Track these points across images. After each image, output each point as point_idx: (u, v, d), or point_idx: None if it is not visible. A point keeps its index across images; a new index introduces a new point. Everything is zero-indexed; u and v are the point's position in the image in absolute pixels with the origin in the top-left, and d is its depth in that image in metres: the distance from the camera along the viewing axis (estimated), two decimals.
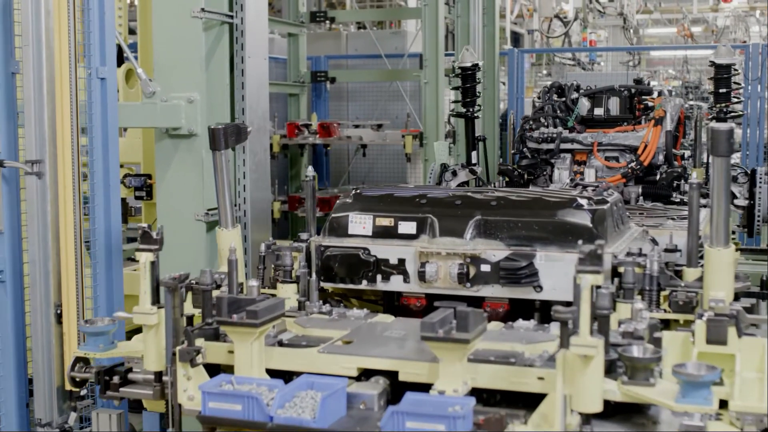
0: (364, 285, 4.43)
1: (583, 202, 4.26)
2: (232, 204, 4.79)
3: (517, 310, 4.27)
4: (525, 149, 8.00)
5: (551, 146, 7.86)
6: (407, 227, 4.34)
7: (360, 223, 4.44)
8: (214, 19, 6.20)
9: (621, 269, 3.91)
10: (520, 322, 3.99)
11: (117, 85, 6.56)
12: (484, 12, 11.24)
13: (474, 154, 8.72)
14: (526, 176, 8.06)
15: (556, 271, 4.05)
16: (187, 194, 6.17)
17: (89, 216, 5.18)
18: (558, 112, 8.17)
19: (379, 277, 4.39)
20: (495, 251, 4.18)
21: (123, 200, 7.15)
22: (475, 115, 8.77)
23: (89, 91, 5.13)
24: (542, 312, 4.22)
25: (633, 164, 7.50)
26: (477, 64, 8.69)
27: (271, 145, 10.88)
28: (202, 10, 6.06)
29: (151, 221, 6.71)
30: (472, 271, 4.20)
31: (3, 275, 4.82)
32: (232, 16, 6.30)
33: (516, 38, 23.20)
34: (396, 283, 4.38)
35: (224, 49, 6.30)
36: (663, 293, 4.09)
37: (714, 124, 3.50)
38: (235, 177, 6.43)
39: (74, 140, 4.79)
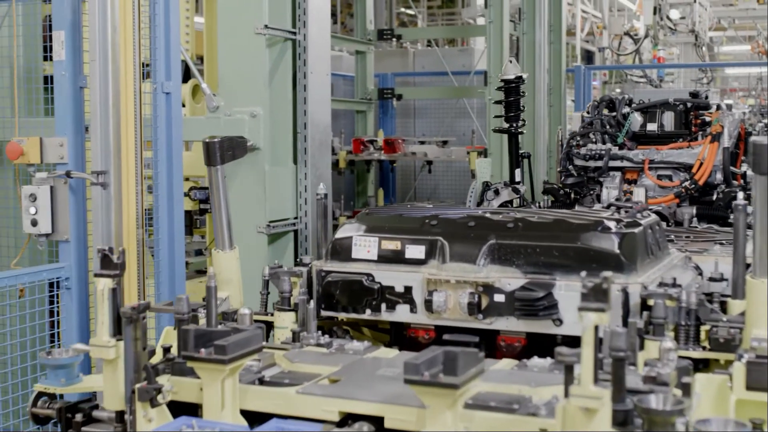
0: (367, 315, 4.03)
1: (611, 225, 3.79)
2: (230, 224, 4.46)
3: (536, 345, 3.82)
4: (571, 167, 7.58)
5: (599, 164, 7.44)
6: (415, 251, 3.93)
7: (364, 247, 4.04)
8: (277, 35, 6.34)
9: (651, 302, 3.45)
10: (536, 360, 3.55)
11: (183, 100, 6.77)
12: (551, 29, 11.26)
13: (518, 171, 8.33)
14: (572, 196, 7.62)
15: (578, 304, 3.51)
16: (250, 207, 6.30)
17: (153, 227, 5.32)
18: (607, 127, 7.74)
19: (383, 306, 3.99)
20: (510, 279, 3.75)
21: (188, 213, 7.31)
22: (520, 130, 8.39)
23: (154, 105, 5.28)
24: (568, 345, 3.74)
25: (687, 183, 7.05)
26: (521, 77, 8.30)
27: (338, 161, 11.01)
28: (266, 27, 6.21)
29: (214, 234, 6.83)
30: (485, 302, 3.78)
31: (69, 282, 4.98)
32: (295, 33, 6.44)
33: (589, 56, 23.08)
34: (402, 314, 3.98)
35: (287, 65, 6.45)
36: (704, 328, 3.63)
37: (755, 138, 3.05)
38: (296, 191, 6.55)
39: (138, 152, 4.93)
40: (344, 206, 11.16)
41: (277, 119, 6.38)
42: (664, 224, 7.39)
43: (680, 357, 3.16)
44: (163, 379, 3.31)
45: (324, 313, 4.09)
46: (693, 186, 7.03)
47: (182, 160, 5.52)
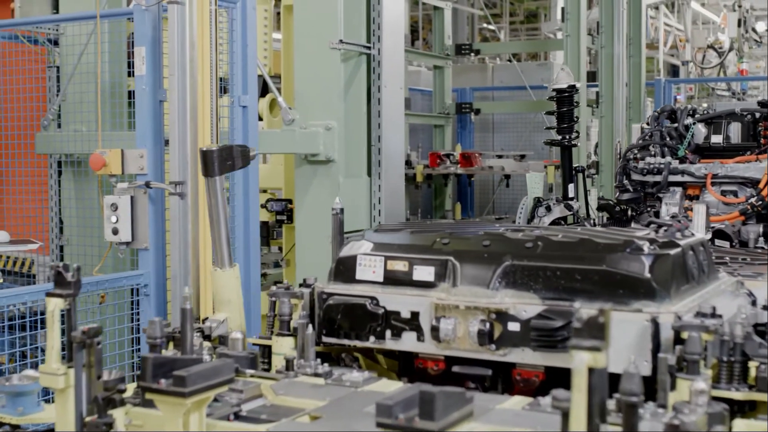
0: (371, 342, 3.60)
1: (642, 245, 3.30)
2: (229, 239, 4.13)
3: (556, 380, 3.30)
4: (626, 182, 7.11)
5: (658, 178, 6.94)
6: (424, 273, 3.51)
7: (370, 267, 3.63)
8: (352, 50, 6.47)
9: (684, 335, 2.95)
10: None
11: (261, 114, 6.94)
12: (630, 42, 11.20)
13: (571, 187, 7.90)
14: (629, 212, 7.18)
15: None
16: (325, 218, 6.39)
17: (230, 236, 5.47)
18: (668, 139, 7.22)
19: (388, 333, 3.55)
20: (526, 306, 3.29)
21: (264, 224, 7.48)
22: (573, 143, 8.04)
23: (231, 118, 5.45)
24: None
25: (753, 200, 6.50)
26: (574, 86, 7.97)
27: (415, 175, 11.11)
28: (341, 41, 6.35)
29: (291, 244, 7.00)
30: (498, 331, 3.33)
31: (147, 289, 5.15)
32: (369, 47, 6.55)
33: (674, 70, 22.80)
34: (408, 342, 3.53)
35: (361, 79, 6.57)
36: (753, 364, 3.15)
37: None
38: (370, 202, 6.66)
39: None
40: (421, 220, 11.24)
41: (352, 132, 6.50)
42: (728, 243, 6.55)
43: (719, 399, 2.86)
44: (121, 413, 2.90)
45: (325, 339, 3.69)
46: (760, 203, 6.53)
47: (258, 172, 5.66)
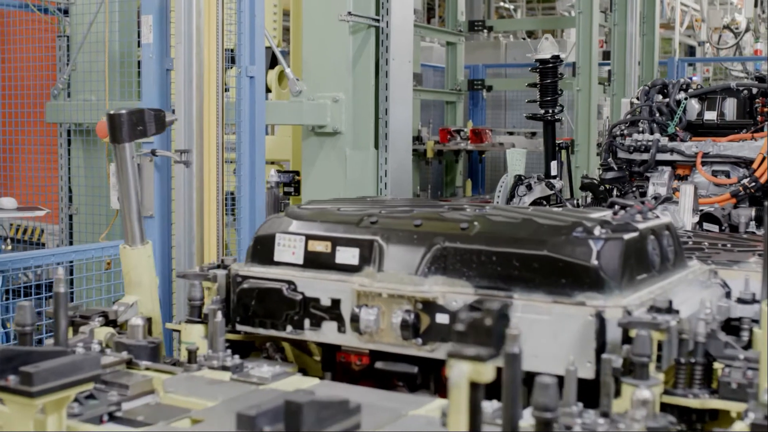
0: (288, 332, 3.19)
1: (592, 228, 2.84)
2: (141, 214, 3.62)
3: (493, 381, 2.74)
4: (610, 159, 6.69)
5: (646, 157, 6.52)
6: (347, 255, 3.11)
7: (289, 247, 3.22)
8: (360, 22, 6.47)
9: (633, 332, 2.58)
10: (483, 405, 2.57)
11: (269, 86, 6.96)
12: (643, 20, 11.15)
13: (554, 164, 7.49)
14: (615, 192, 6.74)
15: (541, 330, 2.70)
16: (331, 190, 6.45)
17: (236, 208, 5.50)
18: (658, 115, 6.75)
19: (307, 322, 3.14)
20: (457, 295, 2.87)
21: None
22: (557, 117, 7.60)
23: (238, 88, 5.45)
24: (527, 386, 2.67)
25: (746, 181, 6.07)
26: (558, 56, 7.47)
27: (425, 151, 11.12)
28: (350, 14, 6.35)
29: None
30: (425, 323, 2.91)
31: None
32: (378, 20, 6.55)
33: (691, 51, 22.66)
34: (329, 333, 3.11)
35: (370, 52, 6.57)
36: (720, 366, 2.79)
37: None
38: (377, 175, 6.68)
39: (219, 133, 5.11)
40: (431, 196, 11.26)
41: (359, 104, 6.52)
42: (717, 227, 5.94)
43: (674, 407, 2.64)
44: None
45: (239, 328, 3.28)
46: (753, 184, 6.06)
47: (265, 143, 5.69)
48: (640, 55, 11.12)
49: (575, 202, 7.17)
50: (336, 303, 3.08)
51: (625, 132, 6.72)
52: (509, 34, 16.42)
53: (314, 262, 3.17)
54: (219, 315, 3.07)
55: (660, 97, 6.87)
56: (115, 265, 5.15)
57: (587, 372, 2.56)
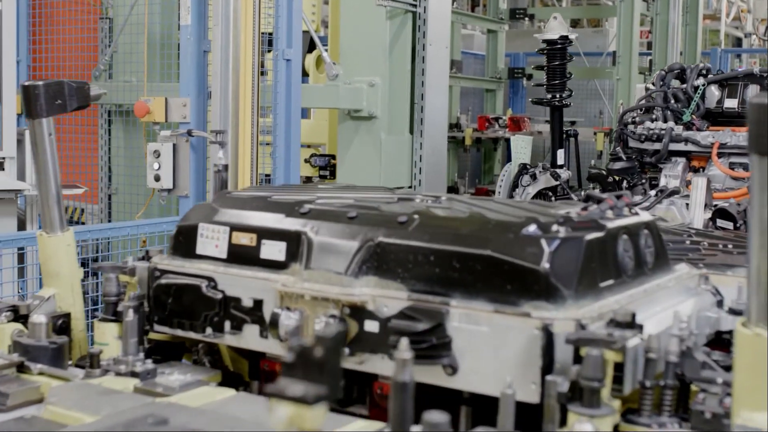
0: (207, 335, 2.83)
1: (549, 226, 2.42)
2: (60, 198, 3.12)
3: (430, 398, 2.44)
4: (619, 149, 6.28)
5: (658, 146, 6.10)
6: (273, 250, 2.76)
7: (212, 239, 2.88)
8: (398, 7, 6.50)
9: (583, 351, 2.15)
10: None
11: (307, 70, 7.02)
12: (687, 10, 11.06)
13: (561, 153, 7.03)
14: (624, 184, 6.31)
15: (481, 343, 2.31)
16: (365, 174, 6.50)
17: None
18: (673, 101, 6.28)
19: (227, 324, 2.78)
20: (389, 299, 2.46)
21: (309, 179, 7.57)
22: (565, 102, 7.12)
23: (275, 71, 5.52)
24: (474, 406, 2.46)
25: None
26: (566, 37, 6.96)
27: (464, 138, 11.12)
28: None
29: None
30: (353, 330, 2.54)
31: None
32: (415, 5, 6.58)
33: (739, 42, 22.41)
34: (250, 338, 2.75)
35: (407, 37, 6.60)
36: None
37: (754, 97, 1.86)
38: (411, 159, 6.72)
39: (254, 114, 5.18)
40: (469, 183, 11.27)
41: (395, 89, 6.55)
42: (731, 224, 5.35)
43: None
44: None
45: (157, 328, 2.91)
46: None
47: (300, 126, 5.75)
48: (683, 45, 11.02)
49: (583, 193, 6.90)
50: (258, 304, 2.70)
51: (637, 120, 6.28)
52: None
53: (238, 256, 2.81)
54: (131, 313, 2.74)
55: (678, 83, 6.46)
56: (151, 243, 5.24)
57: (531, 395, 2.17)
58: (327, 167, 7.09)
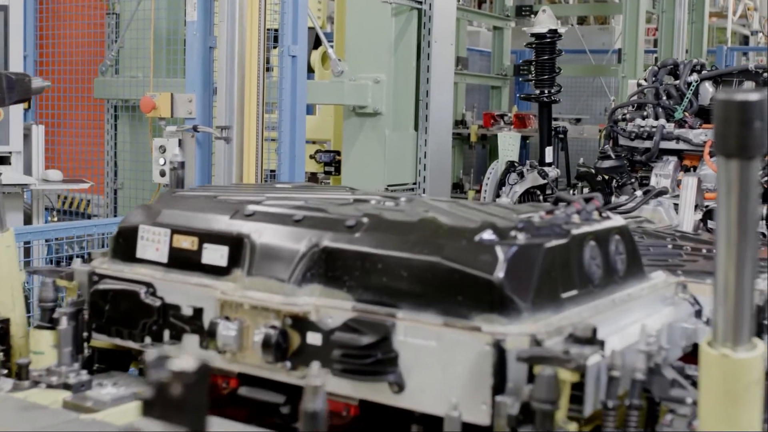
0: (145, 345, 2.63)
1: (506, 232, 2.21)
2: (1, 197, 2.92)
3: (375, 417, 2.34)
4: (608, 147, 6.02)
5: (649, 144, 5.86)
6: (214, 254, 2.56)
7: (153, 242, 2.69)
8: (403, 4, 6.52)
9: (537, 369, 1.97)
10: None
11: (312, 66, 7.04)
12: (693, 8, 11.06)
13: (549, 150, 6.79)
14: (615, 183, 6.01)
15: (429, 359, 2.12)
16: (370, 170, 6.53)
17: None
18: (665, 98, 6.07)
19: (167, 334, 2.60)
20: (333, 310, 2.28)
21: (314, 175, 7.59)
22: (554, 98, 6.89)
23: (280, 68, 5.55)
24: (426, 425, 2.22)
25: (759, 174, 4.94)
26: (555, 30, 6.70)
27: (469, 135, 11.14)
28: None
29: None
30: (295, 343, 2.33)
31: None
32: (421, 2, 6.60)
33: (746, 40, 22.36)
34: (190, 348, 2.56)
35: (412, 34, 6.63)
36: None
37: (720, 93, 1.62)
38: (416, 156, 6.74)
39: (260, 110, 5.21)
40: (474, 180, 11.28)
41: (400, 86, 6.57)
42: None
43: None
44: None
45: (96, 336, 2.71)
46: (766, 178, 5.34)
47: (305, 122, 5.77)
48: (688, 43, 11.02)
49: (571, 192, 6.46)
50: (198, 313, 2.51)
51: (628, 117, 6.06)
52: (558, 20, 16.33)
53: (179, 261, 2.62)
54: (65, 321, 2.56)
55: (672, 79, 6.24)
56: None
57: (481, 416, 2.00)
58: (332, 163, 7.12)
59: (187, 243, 2.61)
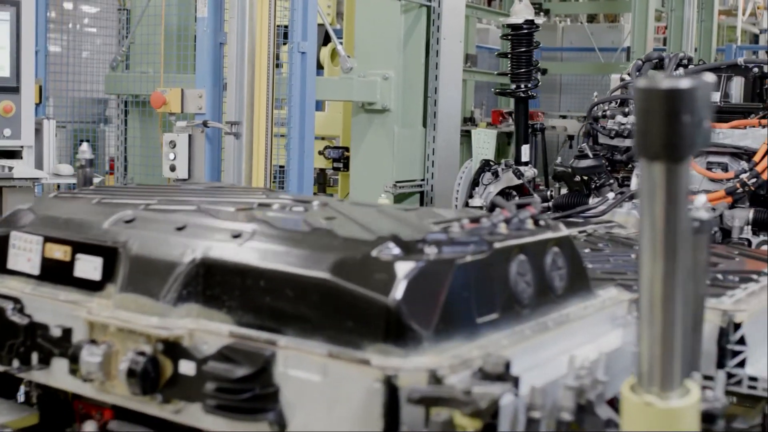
0: (14, 368, 2.26)
1: (410, 245, 1.85)
2: None
3: None
4: (584, 145, 5.61)
5: (630, 143, 5.46)
6: (87, 267, 2.20)
7: (25, 251, 2.33)
8: (413, 1, 6.55)
9: (433, 412, 1.62)
10: None
11: (322, 62, 7.08)
12: (702, 6, 11.06)
13: (525, 148, 6.45)
14: (593, 184, 5.58)
15: (314, 396, 1.76)
16: (378, 166, 6.56)
17: (285, 181, 5.64)
18: None
19: (35, 356, 2.23)
20: (208, 335, 1.92)
21: (323, 171, 7.63)
22: (531, 93, 6.61)
23: (290, 64, 5.58)
24: None
25: (745, 176, 4.92)
26: (531, 21, 6.39)
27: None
28: None
29: (346, 192, 7.15)
30: (167, 371, 1.98)
31: None
32: (430, 0, 6.62)
33: (756, 39, 22.31)
34: (59, 375, 2.18)
35: (421, 31, 6.66)
36: None
37: (639, 80, 1.35)
38: (424, 153, 6.78)
39: (269, 106, 5.24)
40: None
41: (409, 83, 6.61)
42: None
43: None
44: None
45: None
46: (753, 180, 4.93)
47: (314, 118, 5.81)
48: (697, 41, 11.03)
49: (548, 193, 6.14)
50: (67, 333, 2.16)
51: (608, 113, 5.71)
52: (568, 17, 16.33)
53: (51, 273, 2.26)
54: None
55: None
56: None
57: None
58: (341, 159, 7.16)
59: (59, 253, 2.26)
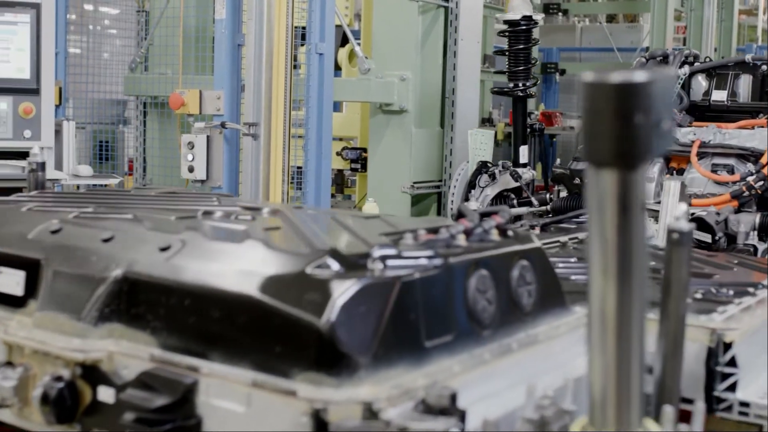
0: None
1: (350, 260, 1.70)
2: None
3: None
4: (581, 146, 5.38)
5: None
6: (9, 281, 2.02)
7: None
8: (430, 2, 6.55)
9: None
10: None
11: (340, 64, 7.09)
12: (722, 6, 11.01)
13: (524, 149, 6.34)
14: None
15: (239, 428, 1.59)
16: (396, 167, 6.57)
17: (302, 182, 5.65)
18: None
19: None
20: (128, 359, 1.76)
21: (341, 171, 7.65)
22: (529, 92, 6.45)
23: (308, 65, 5.59)
24: None
25: (751, 178, 4.78)
26: (530, 17, 6.19)
27: (496, 133, 11.13)
28: None
29: (364, 193, 7.16)
30: (86, 398, 1.80)
31: None
32: (447, 1, 6.62)
33: None
34: None
35: (438, 32, 6.67)
36: None
37: (586, 74, 1.15)
38: (442, 153, 6.78)
39: (287, 107, 5.26)
40: None
41: (426, 84, 6.62)
42: (709, 237, 4.43)
43: None
44: None
45: None
46: (760, 183, 4.79)
47: (332, 119, 5.82)
48: (717, 41, 10.98)
49: (547, 196, 6.00)
50: None
51: None
52: (586, 17, 16.30)
53: None
54: None
55: None
56: None
57: None
58: (358, 160, 7.17)
59: None
